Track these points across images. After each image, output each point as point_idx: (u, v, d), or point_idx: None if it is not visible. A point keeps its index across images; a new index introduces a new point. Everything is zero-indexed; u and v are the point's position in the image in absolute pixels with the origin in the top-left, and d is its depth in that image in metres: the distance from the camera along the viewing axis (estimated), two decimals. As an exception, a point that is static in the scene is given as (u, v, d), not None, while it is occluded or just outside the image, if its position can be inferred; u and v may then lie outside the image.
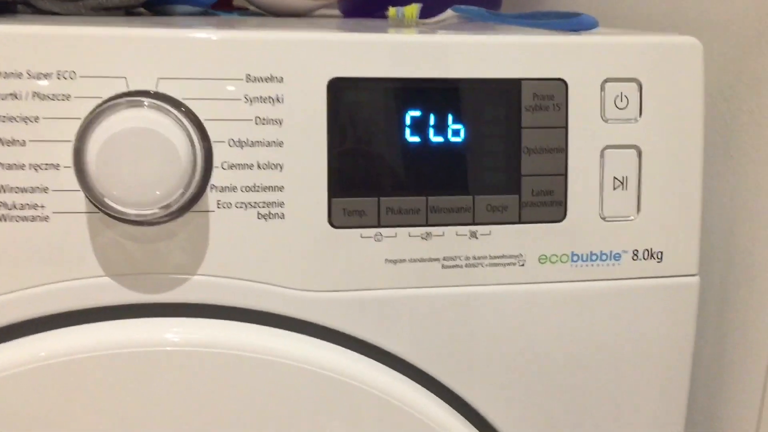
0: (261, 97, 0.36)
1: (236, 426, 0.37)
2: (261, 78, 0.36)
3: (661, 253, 0.41)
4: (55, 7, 0.55)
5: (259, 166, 0.37)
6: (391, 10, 0.55)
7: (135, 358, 0.36)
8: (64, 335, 0.36)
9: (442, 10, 0.50)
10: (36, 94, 0.35)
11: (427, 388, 0.40)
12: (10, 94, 0.35)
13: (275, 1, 0.67)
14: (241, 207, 0.37)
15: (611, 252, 0.40)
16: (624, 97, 0.39)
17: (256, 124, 0.37)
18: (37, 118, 0.35)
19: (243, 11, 0.75)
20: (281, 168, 0.37)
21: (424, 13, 0.52)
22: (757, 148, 0.44)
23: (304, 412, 0.38)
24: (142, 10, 0.63)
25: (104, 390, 0.36)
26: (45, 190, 0.35)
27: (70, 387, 0.36)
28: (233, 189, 0.37)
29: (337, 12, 0.79)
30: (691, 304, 0.42)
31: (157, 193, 0.34)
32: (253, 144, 0.37)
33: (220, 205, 0.37)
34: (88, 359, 0.36)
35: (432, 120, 0.38)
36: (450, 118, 0.38)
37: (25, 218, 0.35)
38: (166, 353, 0.36)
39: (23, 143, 0.35)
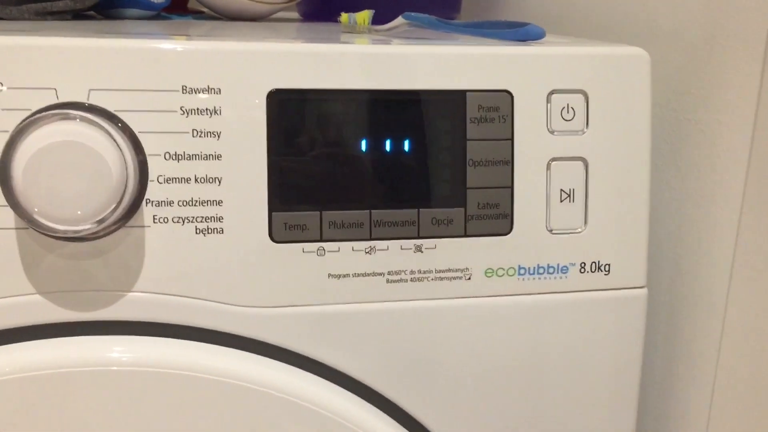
0: (198, 109, 0.35)
1: (174, 447, 0.36)
2: (198, 89, 0.35)
3: (609, 265, 0.40)
4: (-4, 12, 0.54)
5: (196, 180, 0.36)
6: (344, 16, 0.54)
7: (60, 377, 0.35)
8: (-7, 355, 0.35)
9: (395, 17, 0.50)
10: (-39, 106, 0.34)
11: (374, 404, 0.39)
12: (-66, 106, 0.34)
13: (230, 5, 0.66)
14: (178, 222, 0.36)
15: (558, 265, 0.40)
16: (570, 109, 0.39)
17: (193, 136, 0.35)
18: (-39, 131, 0.34)
19: (198, 14, 0.74)
20: (220, 181, 0.36)
21: (378, 20, 0.51)
22: (704, 158, 0.44)
23: (240, 428, 0.37)
24: (92, 14, 0.61)
25: (28, 410, 0.35)
26: (-29, 205, 0.34)
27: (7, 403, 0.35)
28: (170, 203, 0.36)
29: (296, 15, 0.78)
30: (640, 315, 0.41)
31: (88, 208, 0.33)
32: (190, 157, 0.36)
33: (156, 220, 0.36)
34: (14, 380, 0.35)
35: (375, 132, 0.37)
36: (394, 129, 0.37)
37: (-50, 235, 0.34)
38: (92, 373, 0.35)
39: (-52, 157, 0.34)
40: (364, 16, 0.53)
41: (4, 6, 0.54)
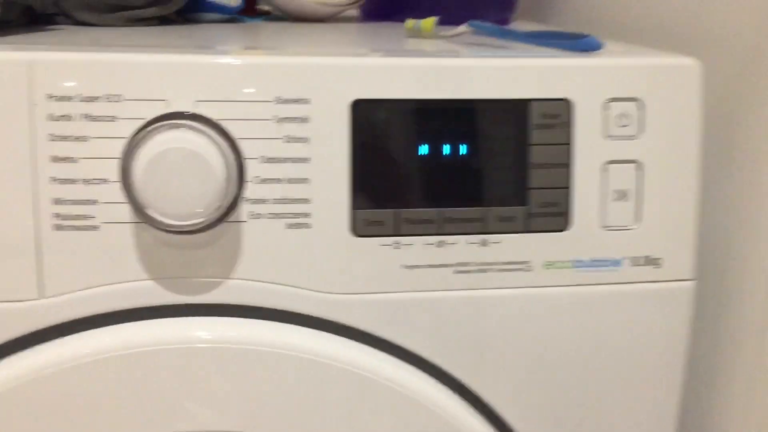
0: (289, 117, 0.40)
1: (262, 416, 0.41)
2: (289, 99, 0.40)
3: (660, 259, 0.44)
4: (93, 19, 0.59)
5: (287, 181, 0.40)
6: (408, 23, 0.58)
7: (172, 353, 0.40)
8: (110, 333, 0.40)
9: (458, 23, 0.53)
10: (86, 116, 0.39)
11: (442, 381, 0.44)
12: (63, 116, 0.38)
13: (298, 7, 0.70)
14: (271, 217, 0.40)
15: (612, 259, 0.43)
16: (626, 115, 0.42)
17: (285, 142, 0.40)
18: (87, 138, 0.39)
19: (267, 15, 0.79)
20: (308, 182, 0.40)
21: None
22: (752, 160, 0.47)
23: (322, 403, 0.41)
24: (174, 18, 0.66)
25: (148, 381, 0.40)
26: (95, 202, 0.39)
27: (118, 379, 0.40)
28: (264, 201, 0.40)
29: (355, 13, 0.82)
30: (688, 307, 0.45)
31: (196, 206, 0.38)
32: (282, 160, 0.40)
33: (252, 216, 0.40)
34: (130, 355, 0.40)
35: (447, 137, 0.41)
36: (463, 135, 0.41)
37: (77, 227, 0.39)
38: (200, 349, 0.40)
39: (75, 160, 0.39)
40: (429, 23, 0.56)
41: (98, 14, 0.59)
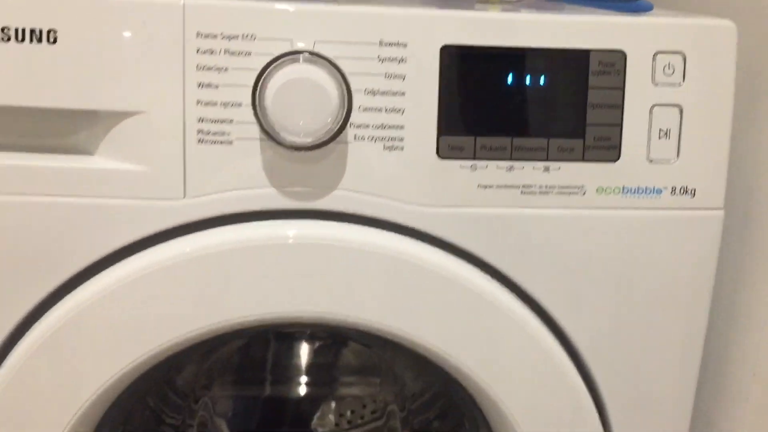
0: (390, 57, 0.48)
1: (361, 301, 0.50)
2: (390, 43, 0.48)
3: (695, 189, 0.51)
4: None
5: (386, 110, 0.49)
6: (480, -10, 0.66)
7: (291, 246, 0.49)
8: (237, 230, 0.49)
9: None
10: (226, 51, 0.47)
11: (505, 286, 0.52)
12: (208, 50, 0.47)
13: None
14: (371, 140, 0.49)
15: (654, 187, 0.51)
16: (671, 66, 0.50)
17: (385, 78, 0.48)
18: (226, 68, 0.47)
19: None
20: (403, 112, 0.49)
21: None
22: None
23: (403, 296, 0.50)
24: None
25: (266, 269, 0.49)
26: (231, 122, 0.48)
27: (242, 267, 0.49)
28: (366, 126, 0.49)
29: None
30: (717, 232, 0.52)
31: (313, 127, 0.47)
32: (382, 93, 0.48)
33: (356, 138, 0.49)
34: (253, 247, 0.49)
35: (519, 79, 0.49)
36: (533, 78, 0.49)
37: (215, 142, 0.48)
38: (309, 245, 0.49)
39: (216, 87, 0.48)
40: (497, -9, 0.64)
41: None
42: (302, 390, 0.78)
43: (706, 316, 0.54)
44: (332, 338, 0.77)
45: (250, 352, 0.78)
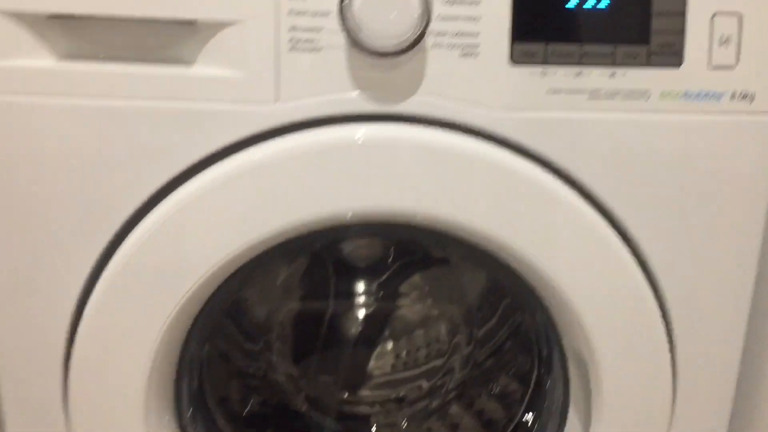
0: (467, -32, 0.52)
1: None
2: (467, -45, 0.52)
3: (754, 94, 0.54)
4: None
5: (462, 18, 0.52)
6: None
7: (366, 147, 0.53)
8: (326, 131, 0.54)
9: None
10: (316, -36, 0.51)
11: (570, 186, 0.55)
12: (299, -36, 0.51)
13: None
14: (448, 47, 0.53)
15: (715, 92, 0.54)
16: (732, -25, 0.53)
17: (462, -12, 0.52)
18: (316, -19, 0.51)
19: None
20: (478, 20, 0.52)
21: None
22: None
23: (471, 191, 0.54)
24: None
25: (349, 166, 0.53)
26: (320, 30, 0.52)
27: (329, 163, 0.53)
28: (444, 34, 0.52)
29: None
30: (775, 135, 0.55)
31: (396, 34, 0.50)
32: (459, 2, 0.52)
33: (434, 46, 0.53)
34: (339, 146, 0.53)
35: (587, -12, 0.53)
36: (600, -13, 0.53)
37: (307, 49, 0.52)
38: (387, 144, 0.53)
39: (307, -3, 0.52)
40: None
41: None
42: (366, 309, 0.83)
43: (763, 218, 0.57)
44: (401, 258, 0.81)
45: (314, 275, 0.82)
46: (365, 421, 0.84)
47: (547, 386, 0.68)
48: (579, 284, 0.56)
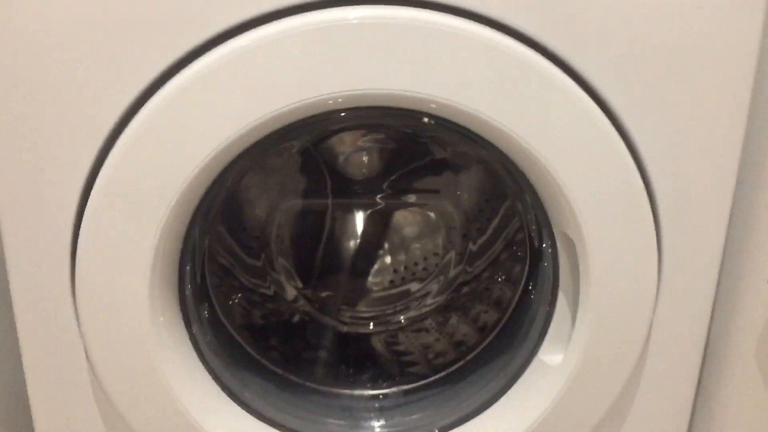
0: None
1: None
2: None
3: (739, -31, 0.55)
4: None
5: None
6: None
7: (358, 27, 0.54)
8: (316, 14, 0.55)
9: None
10: None
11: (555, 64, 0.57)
12: None
13: None
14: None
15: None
16: None
17: None
18: None
19: None
20: None
21: None
22: None
23: (460, 70, 0.55)
24: None
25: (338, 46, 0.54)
26: None
27: (321, 43, 0.54)
28: None
29: None
30: (761, 10, 0.56)
31: None
32: None
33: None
34: (332, 25, 0.54)
35: None
36: None
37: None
38: (376, 23, 0.55)
39: None
40: None
41: None
42: (364, 213, 0.85)
43: (748, 96, 0.59)
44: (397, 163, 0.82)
45: (311, 176, 0.84)
46: (365, 323, 0.87)
47: (537, 280, 0.71)
48: (564, 161, 0.57)
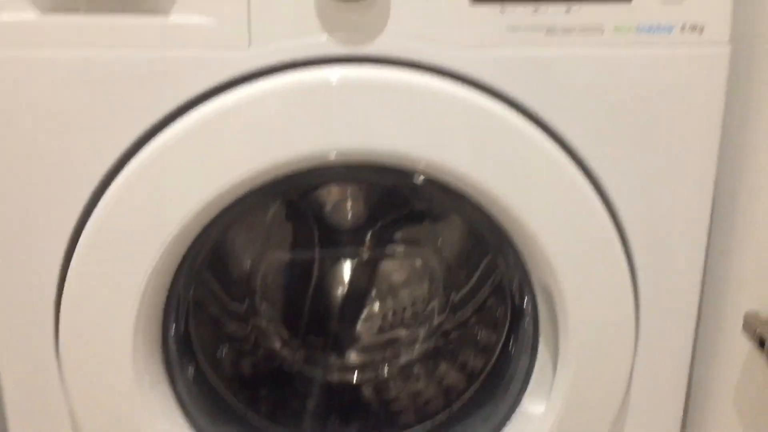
0: None
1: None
2: None
3: (703, 26, 0.57)
4: None
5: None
6: None
7: (339, 88, 0.56)
8: (298, 73, 0.56)
9: None
10: None
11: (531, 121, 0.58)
12: None
13: None
14: (412, -10, 0.56)
15: (666, 25, 0.57)
16: None
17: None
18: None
19: None
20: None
21: None
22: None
23: (440, 129, 0.57)
24: None
25: (314, 106, 0.56)
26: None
27: (303, 103, 0.56)
28: (407, -23, 0.55)
29: None
30: (724, 65, 0.58)
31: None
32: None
33: (397, -11, 0.55)
34: (308, 86, 0.56)
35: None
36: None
37: (276, -6, 0.55)
38: (358, 85, 0.56)
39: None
40: None
41: None
42: (351, 265, 0.86)
43: (716, 148, 0.60)
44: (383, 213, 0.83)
45: (297, 227, 0.85)
46: (354, 372, 0.87)
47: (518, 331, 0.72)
48: (542, 216, 0.59)
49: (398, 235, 0.85)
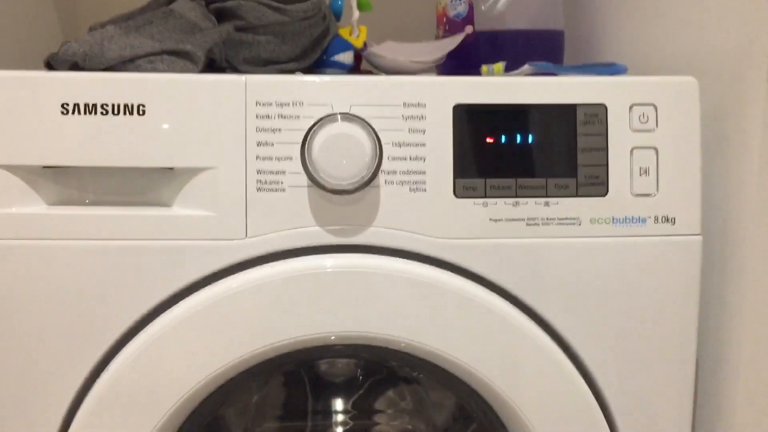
0: (412, 116, 0.59)
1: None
2: (412, 104, 0.59)
3: (675, 218, 0.60)
4: (251, 71, 0.80)
5: (410, 158, 0.59)
6: (483, 68, 0.77)
7: (333, 275, 0.58)
8: (291, 262, 0.59)
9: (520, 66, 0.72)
10: (280, 115, 0.58)
11: (513, 303, 0.60)
12: (265, 115, 0.58)
13: (394, 65, 0.91)
14: (399, 184, 0.59)
15: (639, 217, 0.60)
16: (645, 116, 0.60)
17: (409, 132, 0.59)
18: (280, 129, 0.58)
19: (368, 74, 0.99)
20: (424, 160, 0.59)
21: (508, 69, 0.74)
22: (739, 149, 0.63)
23: (429, 316, 0.59)
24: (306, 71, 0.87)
25: (313, 293, 0.58)
26: (284, 172, 0.58)
27: (296, 291, 0.58)
28: (394, 172, 0.59)
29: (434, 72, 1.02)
30: (697, 254, 0.61)
31: (351, 174, 0.57)
32: (407, 145, 0.59)
33: (386, 183, 0.59)
34: (304, 276, 0.58)
35: (520, 130, 0.60)
36: (532, 128, 0.60)
37: (272, 189, 0.58)
38: (350, 272, 0.59)
39: (272, 144, 0.58)
40: (499, 66, 0.76)
41: (255, 66, 0.80)
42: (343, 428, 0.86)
43: (695, 331, 0.62)
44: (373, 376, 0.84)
45: (290, 394, 0.85)
46: None
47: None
48: (527, 398, 0.60)
49: (387, 403, 0.86)
